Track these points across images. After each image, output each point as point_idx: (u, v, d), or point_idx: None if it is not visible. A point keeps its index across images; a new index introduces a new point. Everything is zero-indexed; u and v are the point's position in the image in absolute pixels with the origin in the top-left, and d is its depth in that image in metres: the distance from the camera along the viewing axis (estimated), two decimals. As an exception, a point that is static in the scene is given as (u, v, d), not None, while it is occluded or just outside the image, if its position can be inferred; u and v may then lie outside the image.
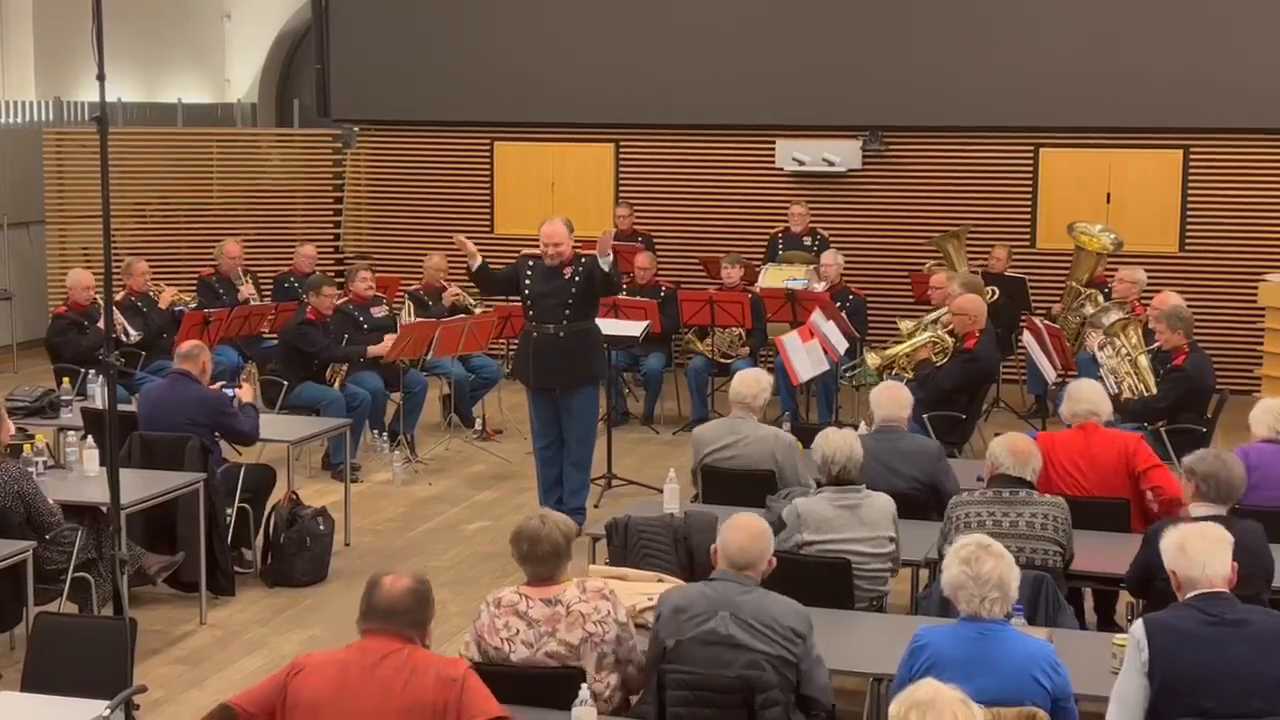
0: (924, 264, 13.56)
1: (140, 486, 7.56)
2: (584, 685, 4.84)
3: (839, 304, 11.99)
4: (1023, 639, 4.83)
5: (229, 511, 8.36)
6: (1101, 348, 10.19)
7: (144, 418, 8.51)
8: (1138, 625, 4.82)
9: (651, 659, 5.20)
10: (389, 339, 11.08)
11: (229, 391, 8.84)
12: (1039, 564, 6.06)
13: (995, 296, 11.92)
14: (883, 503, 6.42)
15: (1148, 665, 4.71)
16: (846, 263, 12.90)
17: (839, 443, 6.45)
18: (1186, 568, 4.86)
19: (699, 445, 7.70)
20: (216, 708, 4.45)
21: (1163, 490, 7.06)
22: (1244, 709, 4.64)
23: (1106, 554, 6.50)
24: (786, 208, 14.06)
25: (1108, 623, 6.97)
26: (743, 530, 5.25)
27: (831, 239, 13.80)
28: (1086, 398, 7.45)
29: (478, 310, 12.50)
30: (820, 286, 12.43)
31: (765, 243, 13.97)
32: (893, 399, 7.60)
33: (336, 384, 11.08)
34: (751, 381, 7.69)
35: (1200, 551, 4.86)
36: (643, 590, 5.75)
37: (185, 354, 8.69)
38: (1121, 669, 4.86)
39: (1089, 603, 7.14)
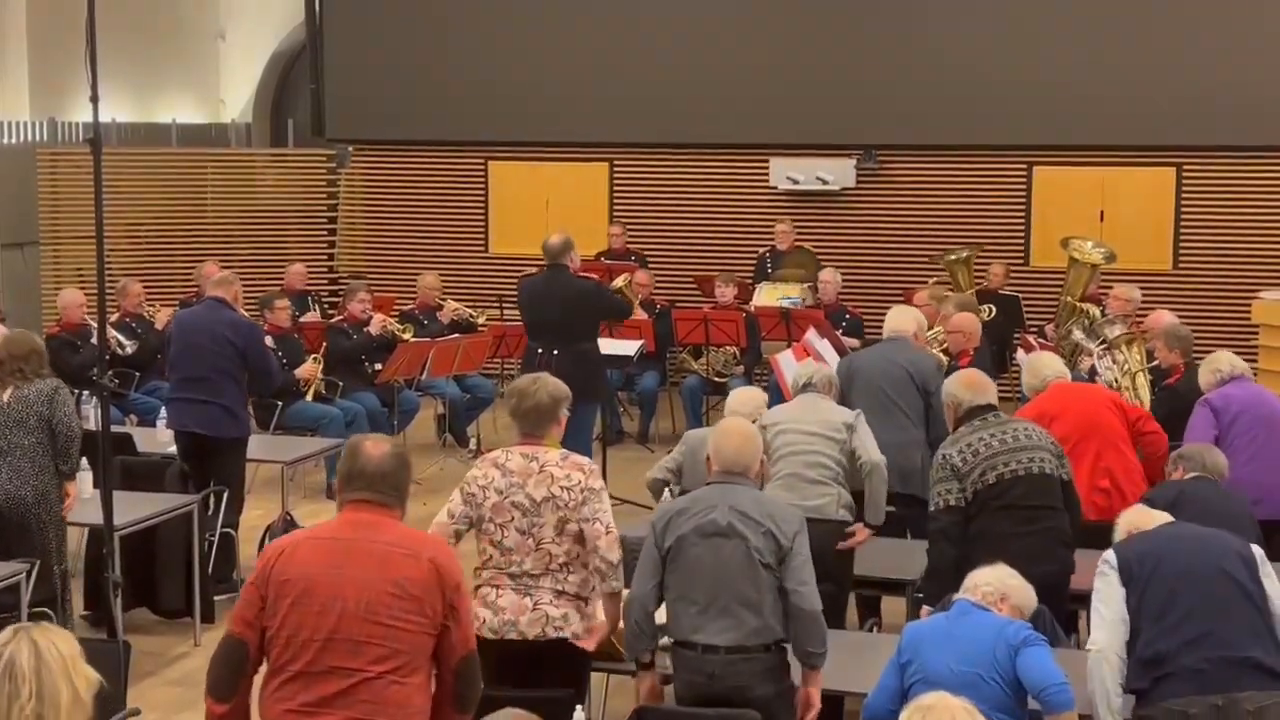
0: (926, 281, 13.45)
1: (131, 509, 7.52)
2: (579, 707, 4.83)
3: (836, 324, 11.99)
4: (991, 616, 5.11)
5: (210, 537, 8.26)
6: (1100, 358, 10.17)
7: (176, 338, 8.60)
8: (1108, 551, 5.25)
9: (645, 567, 5.30)
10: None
11: None
12: (1038, 471, 6.19)
13: (992, 315, 11.92)
14: (841, 409, 7.10)
15: (1116, 567, 5.10)
16: (841, 282, 12.91)
17: (811, 364, 7.48)
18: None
19: (691, 444, 7.59)
20: (223, 641, 4.39)
21: (1157, 439, 7.49)
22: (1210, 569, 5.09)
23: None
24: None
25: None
26: (735, 435, 5.45)
27: (826, 258, 13.79)
28: (1049, 364, 7.76)
29: (481, 320, 12.52)
30: (792, 301, 12.50)
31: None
32: (900, 313, 8.41)
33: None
34: (746, 399, 7.80)
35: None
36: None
37: (219, 281, 8.69)
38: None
39: (1082, 621, 7.12)
